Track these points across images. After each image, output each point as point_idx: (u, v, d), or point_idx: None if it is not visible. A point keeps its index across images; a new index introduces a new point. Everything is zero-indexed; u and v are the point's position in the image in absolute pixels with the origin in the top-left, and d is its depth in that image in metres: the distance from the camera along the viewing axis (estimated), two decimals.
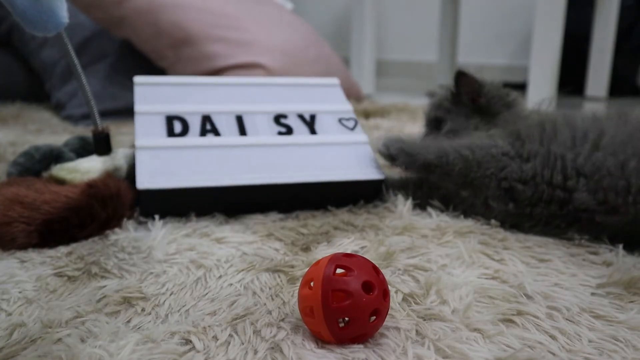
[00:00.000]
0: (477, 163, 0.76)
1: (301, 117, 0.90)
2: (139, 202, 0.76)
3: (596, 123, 0.72)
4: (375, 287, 0.46)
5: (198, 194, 0.76)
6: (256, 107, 0.90)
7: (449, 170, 0.78)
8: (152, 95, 0.87)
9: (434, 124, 0.93)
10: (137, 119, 0.83)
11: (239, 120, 0.86)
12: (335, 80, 1.00)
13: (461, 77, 0.89)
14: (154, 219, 0.76)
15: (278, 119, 0.89)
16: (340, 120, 0.92)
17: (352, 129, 0.91)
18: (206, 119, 0.85)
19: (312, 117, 0.91)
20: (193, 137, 0.82)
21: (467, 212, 0.79)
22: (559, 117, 0.76)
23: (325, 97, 0.96)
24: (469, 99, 0.90)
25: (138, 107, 0.84)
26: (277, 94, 0.94)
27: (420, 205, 0.82)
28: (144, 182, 0.75)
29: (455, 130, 0.89)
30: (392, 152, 0.83)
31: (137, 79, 0.89)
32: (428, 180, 0.82)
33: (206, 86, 0.92)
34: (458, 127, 0.89)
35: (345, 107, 0.95)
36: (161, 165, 0.77)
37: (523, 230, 0.74)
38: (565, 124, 0.74)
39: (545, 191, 0.71)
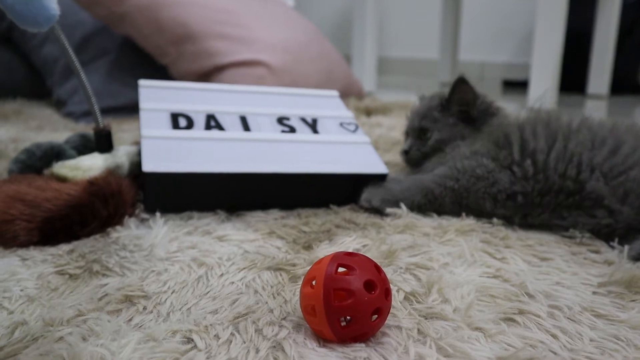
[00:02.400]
0: (465, 189, 0.78)
1: (303, 119, 0.91)
2: (144, 188, 0.76)
3: (614, 132, 0.74)
4: (377, 286, 0.46)
5: (202, 180, 0.76)
6: (259, 109, 0.91)
7: (441, 203, 0.79)
8: (157, 96, 0.88)
9: (419, 133, 0.91)
10: (142, 114, 0.83)
11: (243, 119, 0.87)
12: (334, 92, 1.03)
13: (461, 84, 0.87)
14: (157, 208, 0.76)
15: (281, 120, 0.90)
16: (341, 124, 0.93)
17: (354, 131, 0.91)
18: (210, 117, 0.86)
19: (314, 120, 0.92)
20: (198, 131, 0.82)
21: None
22: (576, 119, 0.78)
23: (325, 105, 0.98)
24: (460, 109, 0.88)
25: (143, 105, 0.84)
26: (278, 100, 0.96)
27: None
28: (150, 165, 0.74)
29: (442, 140, 0.87)
30: (375, 205, 0.80)
31: (142, 82, 0.89)
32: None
33: (209, 91, 0.93)
34: (445, 137, 0.87)
35: (346, 113, 0.96)
36: (167, 152, 0.77)
37: (532, 218, 0.75)
38: (584, 125, 0.76)
39: (556, 182, 0.73)
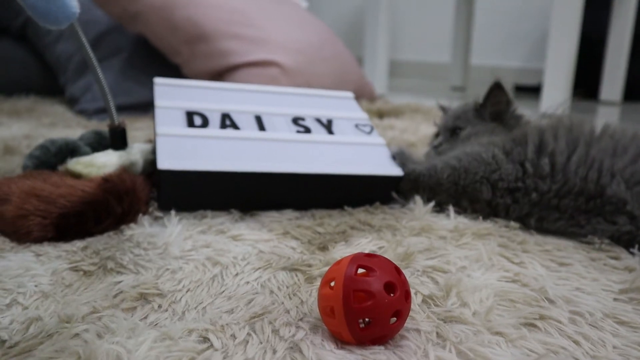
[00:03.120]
0: (464, 170, 0.79)
1: (318, 120, 0.91)
2: (159, 186, 0.75)
3: (636, 140, 0.74)
4: (397, 288, 0.45)
5: (217, 179, 0.75)
6: (274, 109, 0.91)
7: (439, 180, 0.80)
8: (172, 94, 0.88)
9: (451, 133, 0.93)
10: (157, 112, 0.83)
11: (258, 119, 0.87)
12: (349, 94, 1.03)
13: (496, 89, 0.89)
14: (171, 205, 0.75)
15: (296, 120, 0.89)
16: (357, 126, 0.93)
17: (369, 133, 0.91)
18: (226, 116, 0.85)
19: (329, 121, 0.92)
20: (213, 129, 0.82)
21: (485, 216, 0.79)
22: (598, 126, 0.78)
23: (340, 106, 0.98)
24: (494, 112, 0.90)
25: (158, 102, 0.84)
26: (293, 101, 0.96)
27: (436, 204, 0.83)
28: (165, 163, 0.73)
29: (474, 134, 0.89)
30: (393, 151, 0.87)
31: (157, 80, 0.90)
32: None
33: (224, 90, 0.93)
34: (477, 132, 0.89)
35: (361, 115, 0.96)
36: (182, 150, 0.77)
37: (548, 223, 0.74)
38: (606, 133, 0.76)
39: (577, 184, 0.72)
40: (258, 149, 0.80)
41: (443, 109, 1.02)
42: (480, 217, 0.77)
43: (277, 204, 0.80)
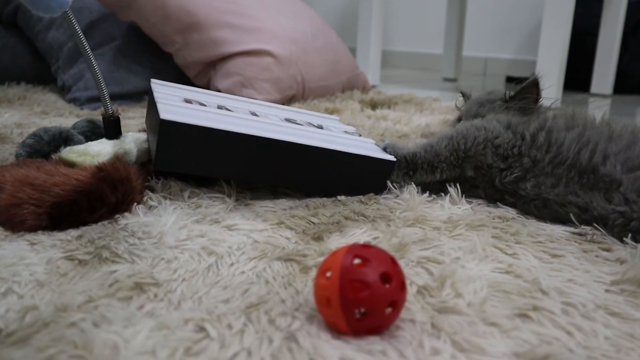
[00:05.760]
0: (463, 136, 0.81)
1: (309, 123, 0.95)
2: (157, 144, 0.72)
3: (635, 133, 0.76)
4: (393, 279, 0.45)
5: (215, 139, 0.74)
6: (267, 111, 0.95)
7: (437, 151, 0.81)
8: (169, 89, 0.90)
9: (473, 119, 0.92)
10: (157, 95, 0.82)
11: (253, 114, 0.89)
12: (335, 117, 1.09)
13: (534, 85, 0.90)
14: (168, 165, 0.74)
15: (288, 120, 0.92)
16: (345, 132, 0.96)
17: (358, 137, 0.95)
18: (221, 107, 0.87)
19: (320, 125, 0.95)
20: (210, 109, 0.83)
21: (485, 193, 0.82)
22: (599, 117, 0.81)
23: (328, 119, 1.04)
24: (522, 106, 0.91)
25: (156, 89, 0.85)
26: (284, 110, 1.01)
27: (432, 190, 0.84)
28: (167, 115, 0.72)
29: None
30: (383, 145, 0.88)
31: (154, 81, 0.92)
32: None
33: (218, 97, 0.96)
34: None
35: (349, 127, 1.01)
36: (183, 111, 0.77)
37: (546, 190, 0.75)
38: (605, 122, 0.79)
39: (570, 158, 0.74)
40: (256, 123, 0.82)
41: (464, 94, 1.04)
42: (471, 209, 0.78)
43: (269, 179, 0.79)
